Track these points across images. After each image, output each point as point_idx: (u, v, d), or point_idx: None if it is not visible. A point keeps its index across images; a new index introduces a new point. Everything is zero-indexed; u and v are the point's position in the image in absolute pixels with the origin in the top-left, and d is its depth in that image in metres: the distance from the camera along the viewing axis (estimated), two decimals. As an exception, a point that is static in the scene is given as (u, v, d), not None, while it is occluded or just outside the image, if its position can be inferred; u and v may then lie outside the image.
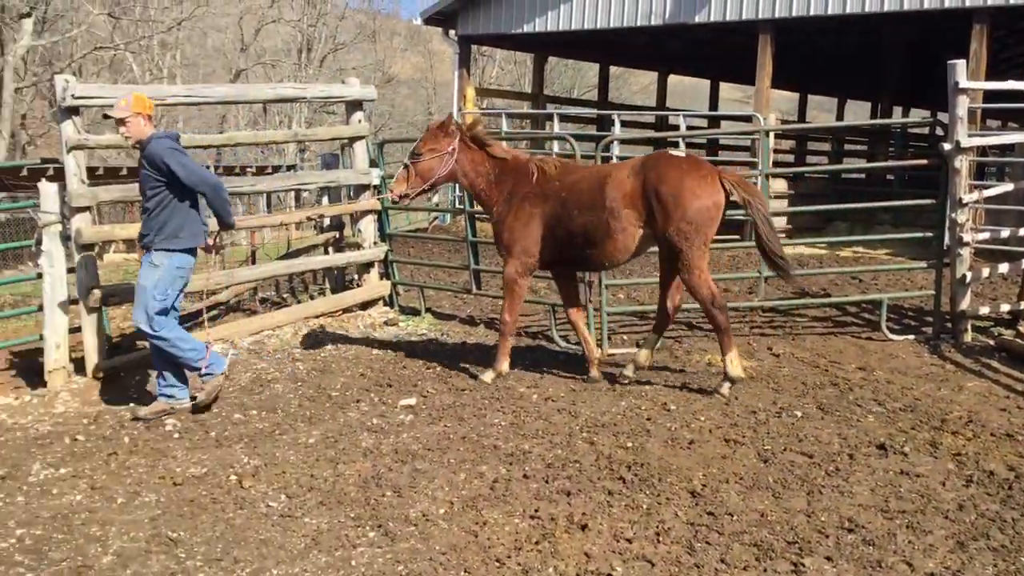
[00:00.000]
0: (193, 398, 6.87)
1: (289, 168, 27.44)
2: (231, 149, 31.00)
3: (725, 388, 6.95)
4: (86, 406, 7.13)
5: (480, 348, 8.68)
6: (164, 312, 6.69)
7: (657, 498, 5.06)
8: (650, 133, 21.46)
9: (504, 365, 7.48)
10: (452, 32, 19.62)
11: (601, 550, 4.49)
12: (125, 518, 4.94)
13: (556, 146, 17.77)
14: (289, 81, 36.26)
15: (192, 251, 6.90)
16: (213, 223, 7.15)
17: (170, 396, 6.83)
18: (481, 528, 4.73)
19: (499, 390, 7.20)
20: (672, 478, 5.33)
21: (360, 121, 9.91)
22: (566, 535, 4.63)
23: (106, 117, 6.83)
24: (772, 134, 15.16)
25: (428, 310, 10.15)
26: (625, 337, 9.01)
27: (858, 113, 39.34)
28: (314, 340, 8.92)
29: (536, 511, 4.90)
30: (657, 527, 4.71)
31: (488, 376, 7.45)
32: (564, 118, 19.77)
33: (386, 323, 9.72)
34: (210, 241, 7.20)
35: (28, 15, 29.47)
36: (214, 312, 10.37)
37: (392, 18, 57.43)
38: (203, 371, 6.80)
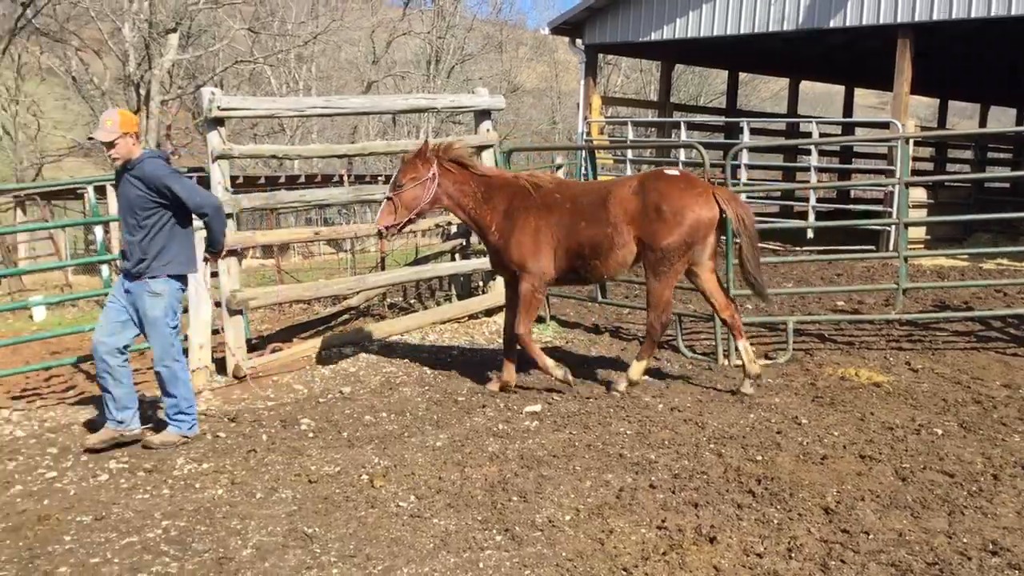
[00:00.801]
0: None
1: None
2: (362, 158, 31.85)
3: (622, 385, 7.33)
4: (226, 404, 7.44)
5: (604, 358, 8.67)
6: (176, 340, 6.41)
7: (788, 513, 4.95)
8: (780, 140, 21.02)
9: (560, 372, 7.40)
10: (579, 41, 19.64)
11: (731, 564, 4.41)
12: (263, 513, 5.13)
13: (683, 154, 17.60)
14: (418, 92, 37.05)
15: (184, 277, 6.52)
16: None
17: (120, 421, 6.32)
18: (607, 536, 4.71)
19: (624, 399, 7.17)
20: (804, 493, 5.20)
21: (488, 130, 10.05)
22: (694, 547, 4.57)
23: (91, 139, 6.34)
24: (911, 141, 14.65)
25: (553, 318, 10.19)
26: (753, 349, 8.81)
27: (1002, 120, 37.53)
28: (441, 345, 9.07)
29: (663, 521, 4.85)
30: (789, 543, 4.60)
31: (559, 372, 7.38)
32: (691, 126, 19.52)
33: (511, 330, 9.80)
34: (210, 258, 6.81)
35: (174, 30, 30.98)
36: (345, 316, 10.68)
37: (519, 28, 57.98)
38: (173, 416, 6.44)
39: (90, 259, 11.52)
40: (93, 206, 8.96)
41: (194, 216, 6.44)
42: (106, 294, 8.99)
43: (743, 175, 16.13)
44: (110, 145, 6.18)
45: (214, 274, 8.09)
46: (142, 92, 31.16)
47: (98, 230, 9.27)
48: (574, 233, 7.21)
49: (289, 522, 4.99)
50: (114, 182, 6.57)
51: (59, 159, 37.64)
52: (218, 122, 7.92)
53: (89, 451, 6.20)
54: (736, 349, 7.65)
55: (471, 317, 10.10)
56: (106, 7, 31.58)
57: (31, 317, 12.99)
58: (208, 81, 31.91)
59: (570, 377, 7.42)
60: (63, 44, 33.36)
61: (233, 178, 8.24)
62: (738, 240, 7.45)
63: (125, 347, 6.34)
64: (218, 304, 8.13)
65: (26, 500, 5.44)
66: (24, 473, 5.88)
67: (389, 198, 7.32)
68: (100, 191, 20.59)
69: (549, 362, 7.44)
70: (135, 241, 6.26)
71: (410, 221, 7.41)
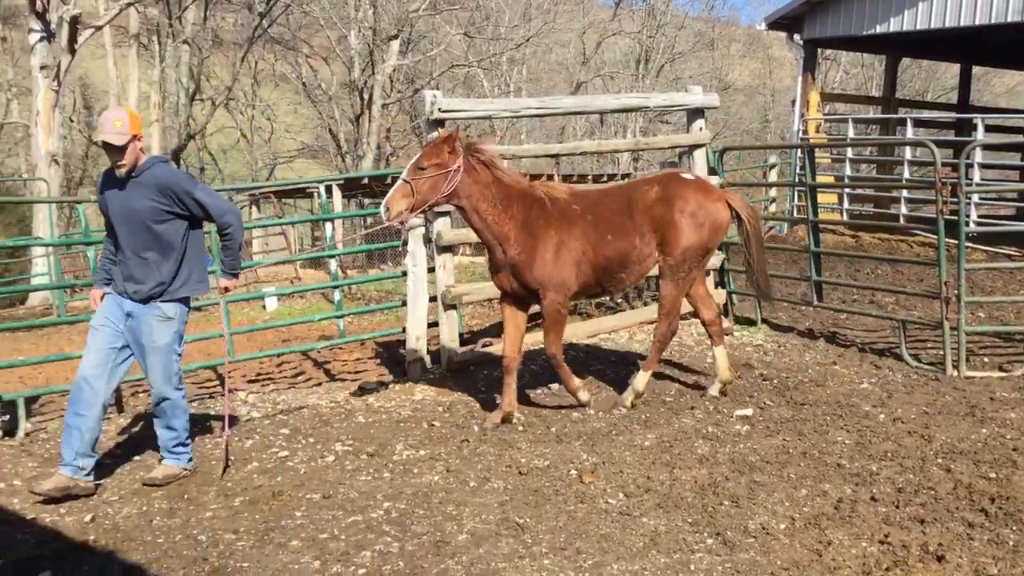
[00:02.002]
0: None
1: (624, 177, 27.94)
2: (567, 158, 32.10)
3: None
4: (441, 395, 7.72)
5: (819, 364, 8.34)
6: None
7: (1027, 536, 4.60)
8: (1020, 138, 19.51)
9: (584, 395, 7.10)
10: (796, 36, 18.94)
11: (960, 586, 4.15)
12: (477, 500, 5.29)
13: (908, 152, 16.68)
14: (627, 91, 36.98)
15: (189, 297, 5.77)
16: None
17: (80, 468, 5.47)
18: (825, 548, 4.54)
19: (841, 407, 6.88)
20: (1045, 516, 4.82)
21: (701, 129, 9.90)
22: (920, 564, 4.33)
23: (92, 141, 5.72)
24: None
25: (764, 321, 9.92)
26: (986, 359, 8.24)
27: None
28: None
29: (886, 536, 4.62)
30: (1027, 568, 4.28)
31: (582, 395, 7.09)
32: (917, 123, 18.42)
33: (721, 332, 9.62)
34: (228, 285, 6.01)
35: (395, 37, 32.45)
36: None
37: (731, 25, 56.62)
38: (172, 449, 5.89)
39: (319, 254, 12.26)
40: (323, 204, 9.60)
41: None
42: (334, 287, 9.57)
43: (976, 175, 15.06)
44: (120, 149, 5.28)
45: (431, 269, 8.42)
46: (365, 96, 32.82)
47: (327, 226, 9.85)
48: (601, 246, 6.85)
49: (501, 511, 5.12)
50: (99, 190, 5.67)
51: (290, 160, 40.30)
52: (439, 123, 8.23)
53: (35, 493, 5.36)
54: (713, 355, 7.52)
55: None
56: (334, 15, 33.49)
57: (264, 307, 14.00)
58: (425, 85, 33.19)
59: (591, 401, 7.13)
60: (295, 52, 35.68)
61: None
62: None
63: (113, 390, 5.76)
64: (433, 299, 8.45)
65: (261, 476, 5.87)
66: (260, 451, 6.34)
67: (406, 181, 6.39)
68: (328, 190, 21.91)
69: (576, 383, 7.12)
70: (148, 260, 5.48)
71: (420, 212, 6.59)
